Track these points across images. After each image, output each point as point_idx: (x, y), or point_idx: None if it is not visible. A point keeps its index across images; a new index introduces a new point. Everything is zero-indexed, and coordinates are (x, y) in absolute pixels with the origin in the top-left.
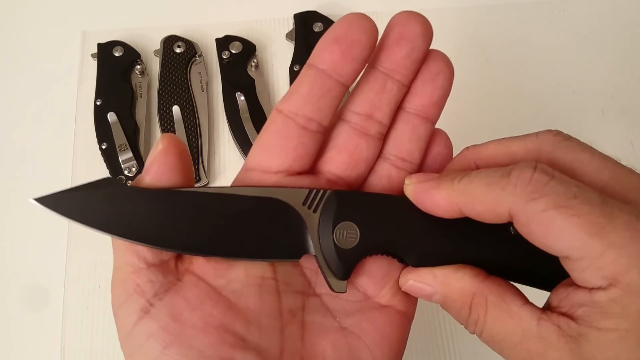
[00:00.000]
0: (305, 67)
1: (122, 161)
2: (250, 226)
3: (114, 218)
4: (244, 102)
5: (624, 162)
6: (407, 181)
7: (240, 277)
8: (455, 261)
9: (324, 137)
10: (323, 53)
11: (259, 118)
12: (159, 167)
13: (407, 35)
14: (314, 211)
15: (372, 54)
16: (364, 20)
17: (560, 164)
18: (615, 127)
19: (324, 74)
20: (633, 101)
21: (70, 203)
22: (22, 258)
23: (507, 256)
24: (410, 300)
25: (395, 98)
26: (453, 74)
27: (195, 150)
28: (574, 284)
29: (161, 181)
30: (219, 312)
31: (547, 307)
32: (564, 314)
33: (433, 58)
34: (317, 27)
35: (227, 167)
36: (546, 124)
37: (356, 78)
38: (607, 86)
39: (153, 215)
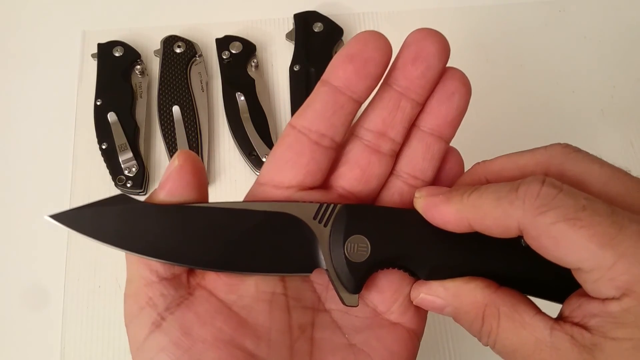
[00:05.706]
0: (319, 83)
1: (122, 161)
2: (261, 241)
3: (127, 234)
4: (244, 102)
5: (630, 169)
6: (417, 194)
7: (250, 292)
8: (466, 274)
9: (336, 153)
10: (337, 70)
11: (259, 118)
12: (173, 183)
13: (422, 54)
14: (325, 225)
15: (387, 71)
16: (379, 39)
17: (570, 176)
18: (615, 127)
19: (337, 90)
20: (633, 101)
21: (85, 220)
22: (22, 258)
23: (517, 269)
24: (420, 318)
25: (409, 116)
26: (470, 92)
27: (195, 151)
28: (587, 294)
29: (175, 197)
30: (229, 327)
31: (560, 317)
32: (576, 324)
33: (450, 77)
34: (317, 27)
35: (227, 167)
36: (546, 123)
37: (369, 95)
38: (607, 86)
39: (165, 230)
